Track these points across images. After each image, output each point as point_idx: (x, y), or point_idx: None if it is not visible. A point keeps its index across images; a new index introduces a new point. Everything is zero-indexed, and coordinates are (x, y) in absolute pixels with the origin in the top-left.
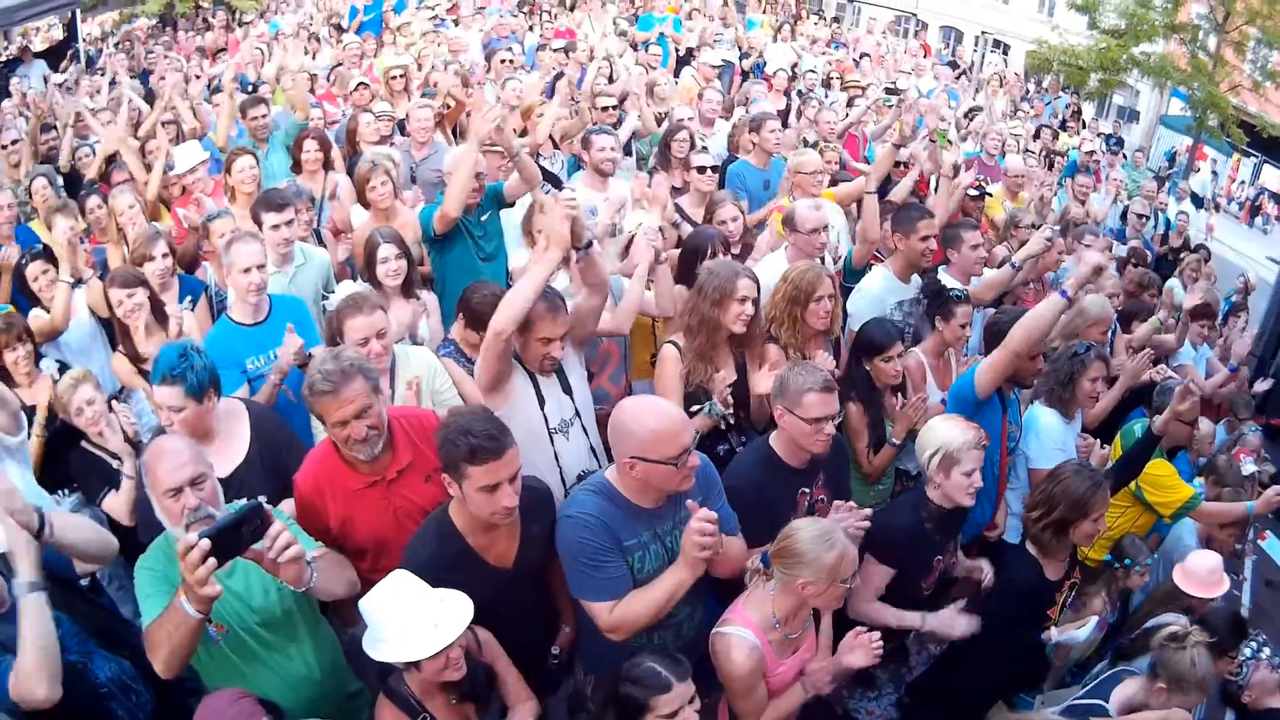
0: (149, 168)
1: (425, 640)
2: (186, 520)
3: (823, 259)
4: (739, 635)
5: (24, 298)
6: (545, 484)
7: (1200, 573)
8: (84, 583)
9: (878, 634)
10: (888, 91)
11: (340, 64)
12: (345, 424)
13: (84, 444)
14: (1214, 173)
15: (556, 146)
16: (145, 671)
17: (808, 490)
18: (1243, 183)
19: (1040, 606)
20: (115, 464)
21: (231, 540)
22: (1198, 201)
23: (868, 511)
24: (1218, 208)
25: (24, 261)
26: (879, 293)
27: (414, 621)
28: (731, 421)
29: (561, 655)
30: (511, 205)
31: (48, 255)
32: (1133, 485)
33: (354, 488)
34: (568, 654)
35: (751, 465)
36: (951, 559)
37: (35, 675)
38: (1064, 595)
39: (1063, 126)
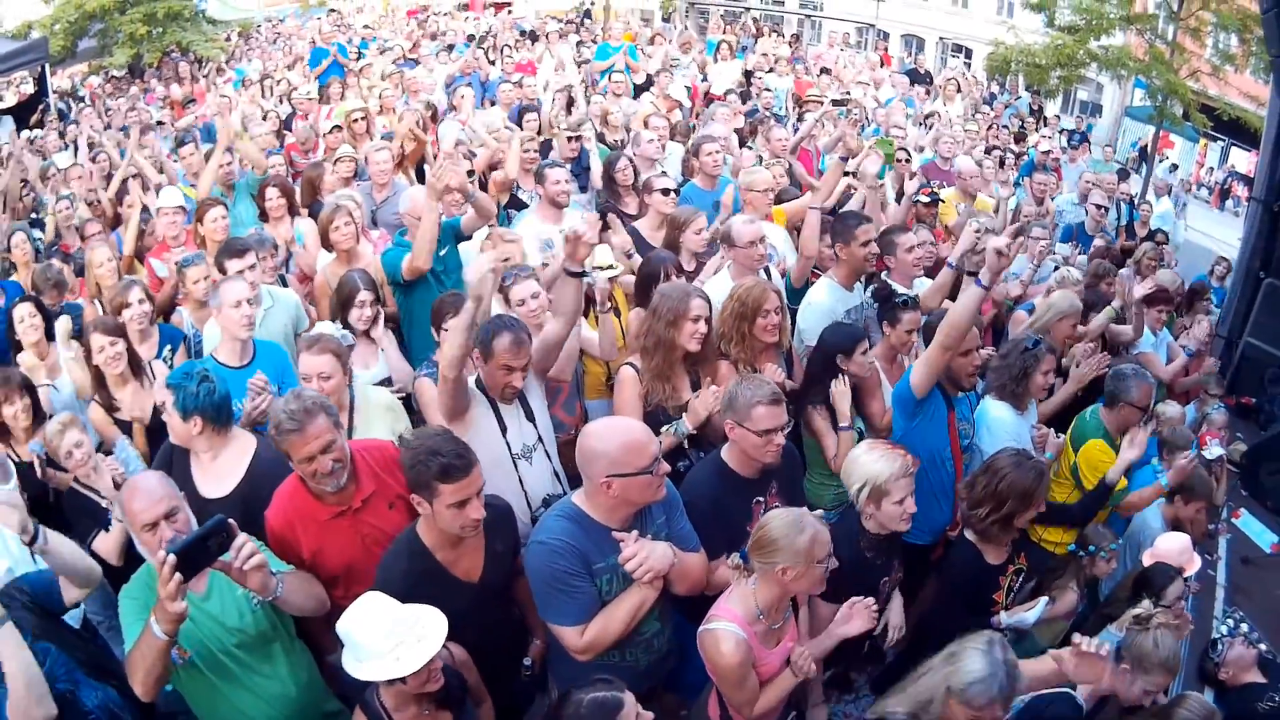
0: (117, 220)
1: (410, 655)
2: (163, 550)
3: (768, 272)
4: (725, 629)
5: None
6: (506, 501)
7: (1170, 554)
8: (75, 623)
9: (873, 599)
10: (835, 103)
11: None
12: (312, 459)
13: (74, 485)
14: (1173, 165)
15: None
16: (133, 700)
17: (762, 499)
18: (1211, 168)
19: (983, 591)
20: (104, 503)
21: (199, 553)
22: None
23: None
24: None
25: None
26: (828, 304)
27: (396, 638)
28: (685, 451)
29: (534, 667)
30: (469, 238)
31: (36, 302)
32: (1073, 461)
33: (323, 518)
34: (540, 666)
35: (706, 479)
36: (898, 575)
37: (29, 699)
38: (1009, 579)
39: (1022, 127)
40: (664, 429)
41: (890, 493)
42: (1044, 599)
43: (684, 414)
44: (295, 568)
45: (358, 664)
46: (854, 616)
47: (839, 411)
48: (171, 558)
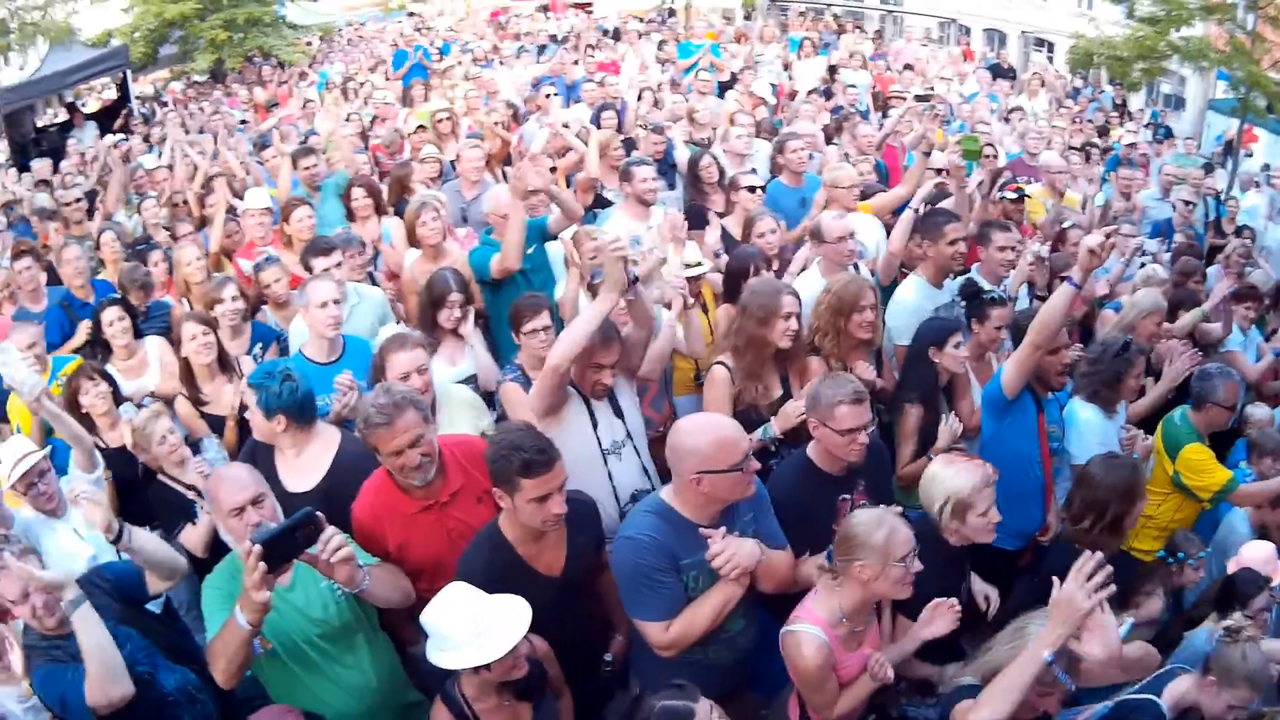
0: (203, 221)
1: (495, 642)
2: (249, 536)
3: (856, 268)
4: (808, 632)
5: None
6: (589, 497)
7: (1255, 563)
8: (157, 609)
9: (956, 600)
10: (918, 99)
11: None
12: (400, 453)
13: (161, 477)
14: (1265, 164)
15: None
16: (211, 684)
17: (848, 497)
18: None
19: None
20: (191, 496)
21: (287, 544)
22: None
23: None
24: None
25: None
26: (916, 301)
27: (482, 626)
28: (774, 452)
29: (615, 663)
30: (555, 238)
31: (124, 303)
32: (1170, 470)
33: (409, 512)
34: (621, 662)
35: (791, 477)
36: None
37: (105, 678)
38: None
39: (1106, 121)
40: (753, 435)
41: (975, 505)
42: (1129, 620)
43: (773, 417)
44: (381, 561)
45: (441, 653)
46: (936, 618)
47: (937, 444)
48: (257, 548)
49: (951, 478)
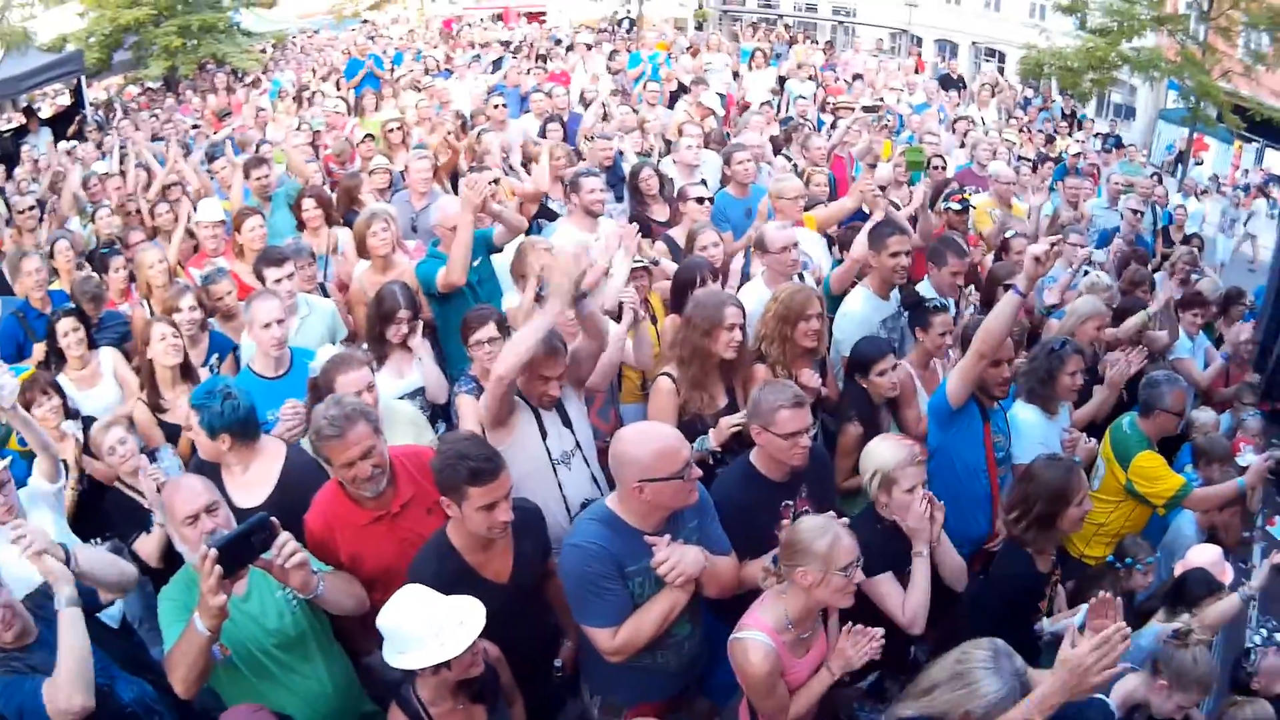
0: (155, 231)
1: (454, 639)
2: (204, 543)
3: (801, 278)
4: (754, 639)
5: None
6: (534, 504)
7: (1203, 567)
8: (114, 624)
9: (881, 630)
10: (865, 109)
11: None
12: (352, 465)
13: (117, 484)
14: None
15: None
16: (169, 696)
17: (791, 502)
18: (1246, 170)
19: (1033, 599)
20: (147, 504)
21: (242, 549)
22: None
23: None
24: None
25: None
26: (863, 313)
27: (438, 624)
28: (719, 458)
29: (565, 669)
30: (500, 250)
31: (78, 314)
32: (1122, 478)
33: (361, 523)
34: (571, 668)
35: (734, 482)
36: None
37: (74, 684)
38: (1050, 589)
39: (1055, 131)
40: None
41: (899, 480)
42: (1084, 606)
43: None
44: (335, 569)
45: (401, 655)
46: (849, 649)
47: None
48: (213, 552)
49: (881, 453)
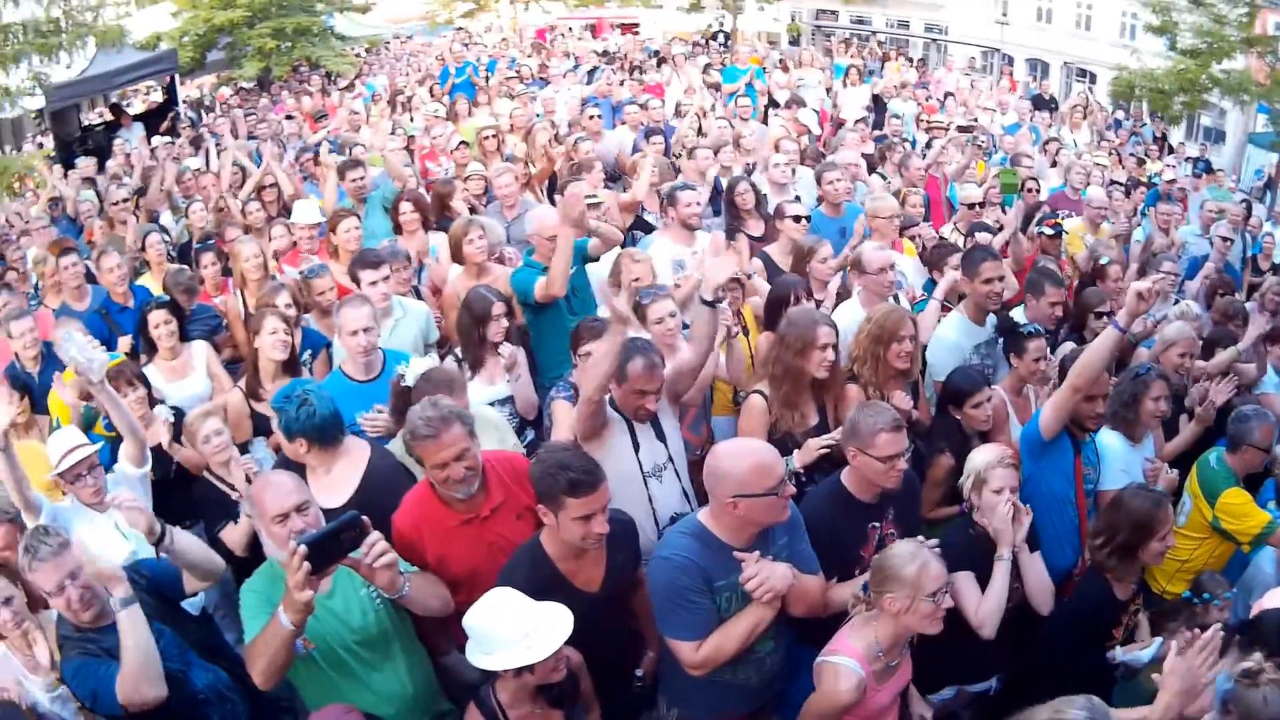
0: (247, 229)
1: (541, 643)
2: (293, 540)
3: (896, 299)
4: (846, 665)
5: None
6: (629, 516)
7: None
8: (195, 609)
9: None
10: (960, 130)
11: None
12: (445, 466)
13: (206, 474)
14: None
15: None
16: (242, 684)
17: (878, 525)
18: None
19: (1107, 625)
20: (234, 495)
21: (331, 547)
22: None
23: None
24: None
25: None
26: (956, 339)
27: (526, 628)
28: (804, 479)
29: (645, 679)
30: (596, 260)
31: (171, 306)
32: (1209, 514)
33: (450, 525)
34: (650, 679)
35: (823, 501)
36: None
37: (141, 678)
38: (1128, 619)
39: (1146, 154)
40: None
41: (988, 480)
42: (1159, 639)
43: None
44: (421, 569)
45: (486, 656)
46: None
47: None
48: (302, 548)
49: (977, 455)
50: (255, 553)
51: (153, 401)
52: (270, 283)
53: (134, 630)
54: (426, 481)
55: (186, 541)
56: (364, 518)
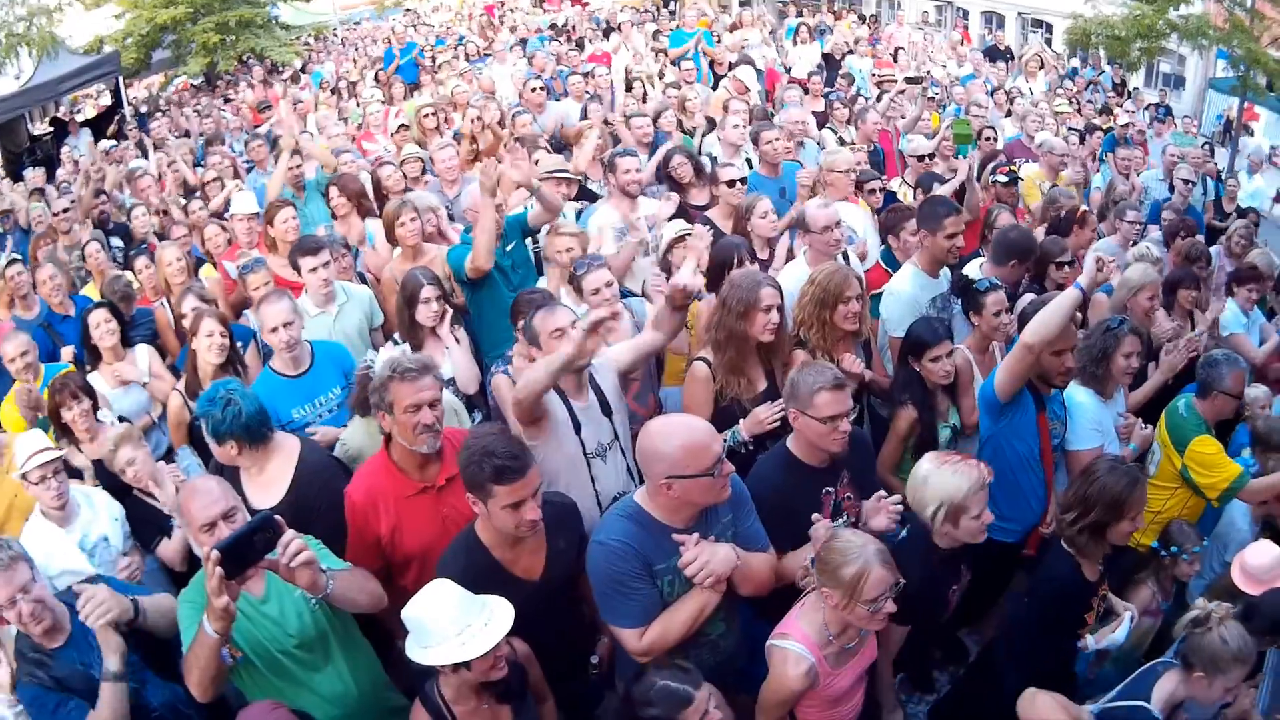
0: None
1: (476, 640)
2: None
3: (845, 256)
4: (795, 651)
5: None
6: (570, 499)
7: (1258, 569)
8: None
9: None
10: (909, 81)
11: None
12: (418, 409)
13: (136, 493)
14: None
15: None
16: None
17: (832, 489)
18: None
19: (1078, 609)
20: (167, 510)
21: (246, 549)
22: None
23: (897, 498)
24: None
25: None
26: (911, 292)
27: (463, 623)
28: (751, 449)
29: (602, 665)
30: (537, 231)
31: (111, 308)
32: (1178, 464)
33: (406, 494)
34: (608, 664)
35: (771, 470)
36: (965, 577)
37: None
38: (1098, 602)
39: (1105, 102)
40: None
41: (969, 509)
42: (1128, 615)
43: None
44: (370, 551)
45: (423, 650)
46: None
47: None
48: (215, 554)
49: (945, 481)
50: (194, 566)
51: (98, 408)
52: (182, 288)
53: (111, 706)
54: (381, 452)
55: (156, 610)
56: (277, 518)
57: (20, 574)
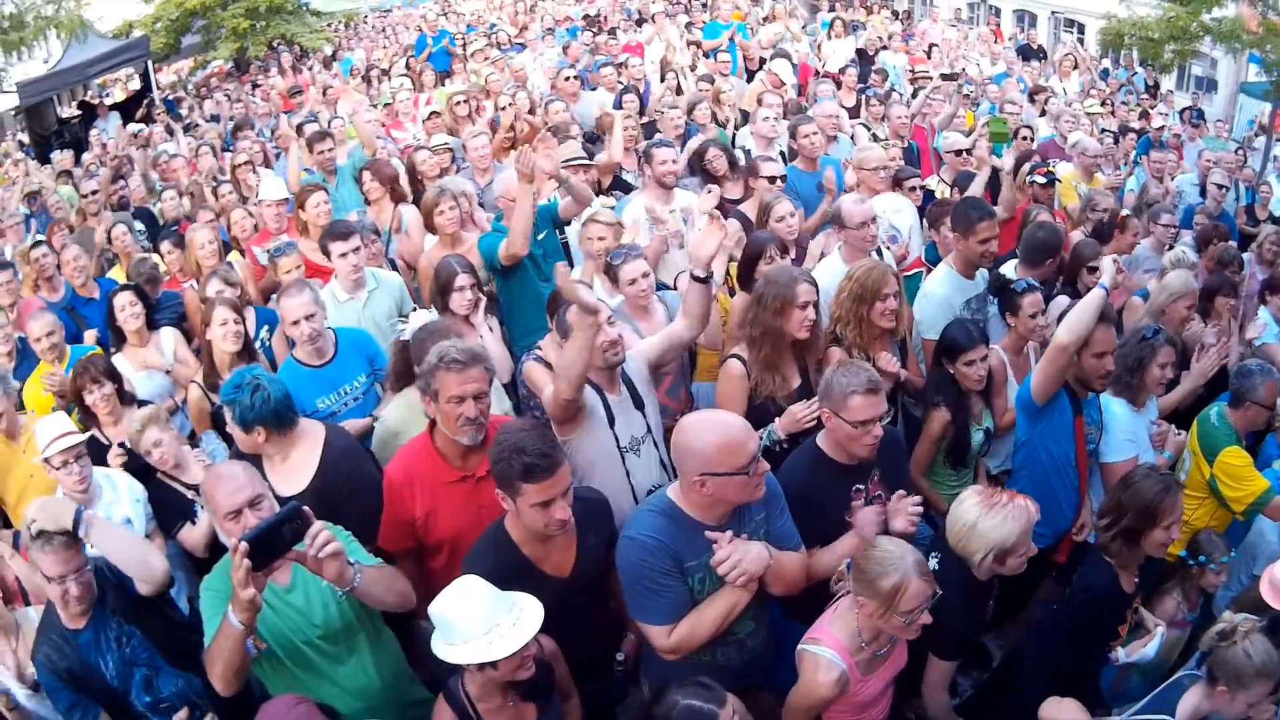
0: (223, 211)
1: (505, 640)
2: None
3: (880, 253)
4: (826, 657)
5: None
6: (601, 494)
7: None
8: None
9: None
10: (944, 78)
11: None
12: (462, 400)
13: (160, 476)
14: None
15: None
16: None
17: (862, 487)
18: None
19: (1113, 620)
20: (190, 495)
21: (273, 540)
22: None
23: (917, 498)
24: None
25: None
26: (945, 293)
27: (492, 621)
28: (785, 447)
29: (627, 662)
30: (568, 223)
31: (137, 290)
32: (1207, 474)
33: (444, 481)
34: (633, 661)
35: (801, 467)
36: (995, 592)
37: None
38: (1132, 614)
39: (1138, 103)
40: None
41: (1017, 550)
42: (1159, 630)
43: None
44: (403, 531)
45: (449, 647)
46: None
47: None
48: (243, 545)
49: (995, 529)
50: (217, 553)
51: (123, 397)
52: (206, 274)
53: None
54: (425, 435)
55: (104, 535)
56: (305, 508)
57: (78, 557)
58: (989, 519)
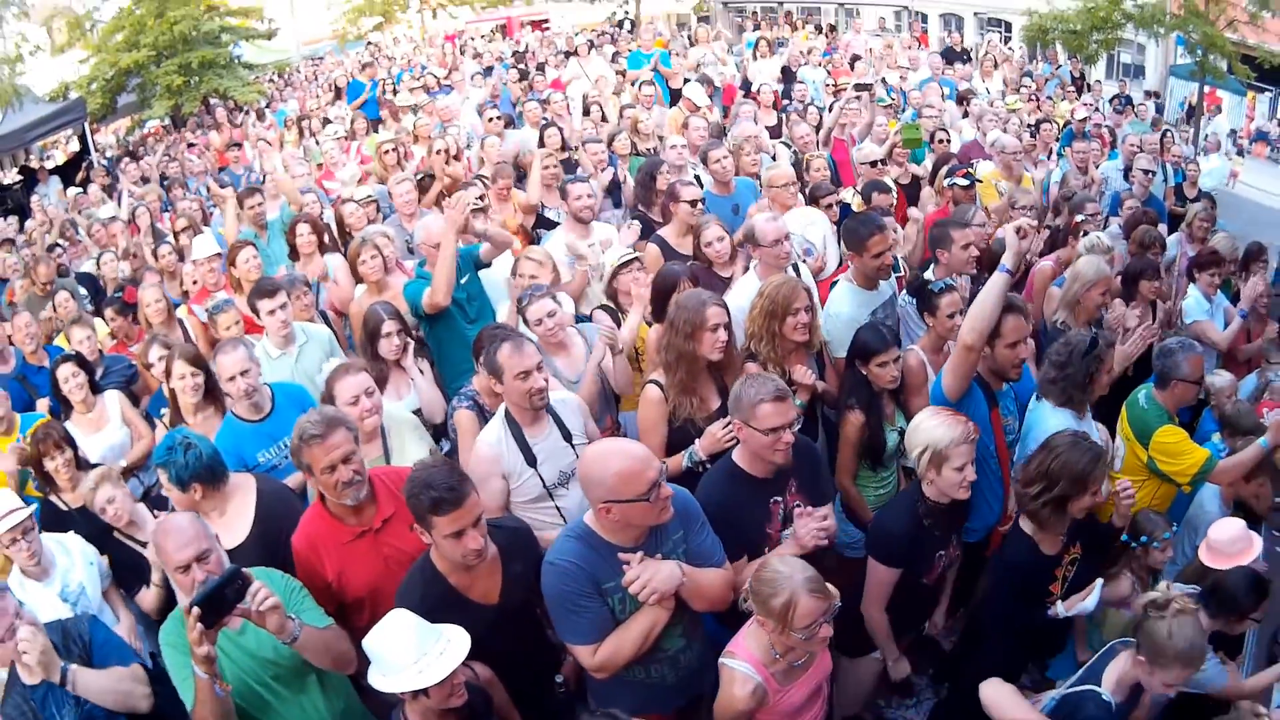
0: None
1: (432, 668)
2: (190, 599)
3: (796, 269)
4: (740, 671)
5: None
6: (524, 523)
7: (1222, 544)
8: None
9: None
10: (856, 88)
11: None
12: (333, 468)
13: (116, 535)
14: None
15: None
16: None
17: (780, 499)
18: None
19: (1038, 584)
20: (145, 552)
21: (218, 602)
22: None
23: (825, 511)
24: (1240, 152)
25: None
26: (849, 311)
27: (419, 651)
28: (709, 467)
29: (568, 683)
30: (488, 265)
31: (78, 359)
32: (1144, 456)
33: (344, 540)
34: (575, 682)
35: (717, 483)
36: (955, 551)
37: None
38: (1064, 570)
39: (1064, 96)
40: (679, 456)
41: (950, 458)
42: (1099, 582)
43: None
44: (324, 600)
45: (383, 678)
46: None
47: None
48: (196, 610)
49: (933, 429)
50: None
51: (79, 463)
52: (146, 339)
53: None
54: (318, 500)
55: (89, 682)
56: (244, 570)
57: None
58: (929, 422)
